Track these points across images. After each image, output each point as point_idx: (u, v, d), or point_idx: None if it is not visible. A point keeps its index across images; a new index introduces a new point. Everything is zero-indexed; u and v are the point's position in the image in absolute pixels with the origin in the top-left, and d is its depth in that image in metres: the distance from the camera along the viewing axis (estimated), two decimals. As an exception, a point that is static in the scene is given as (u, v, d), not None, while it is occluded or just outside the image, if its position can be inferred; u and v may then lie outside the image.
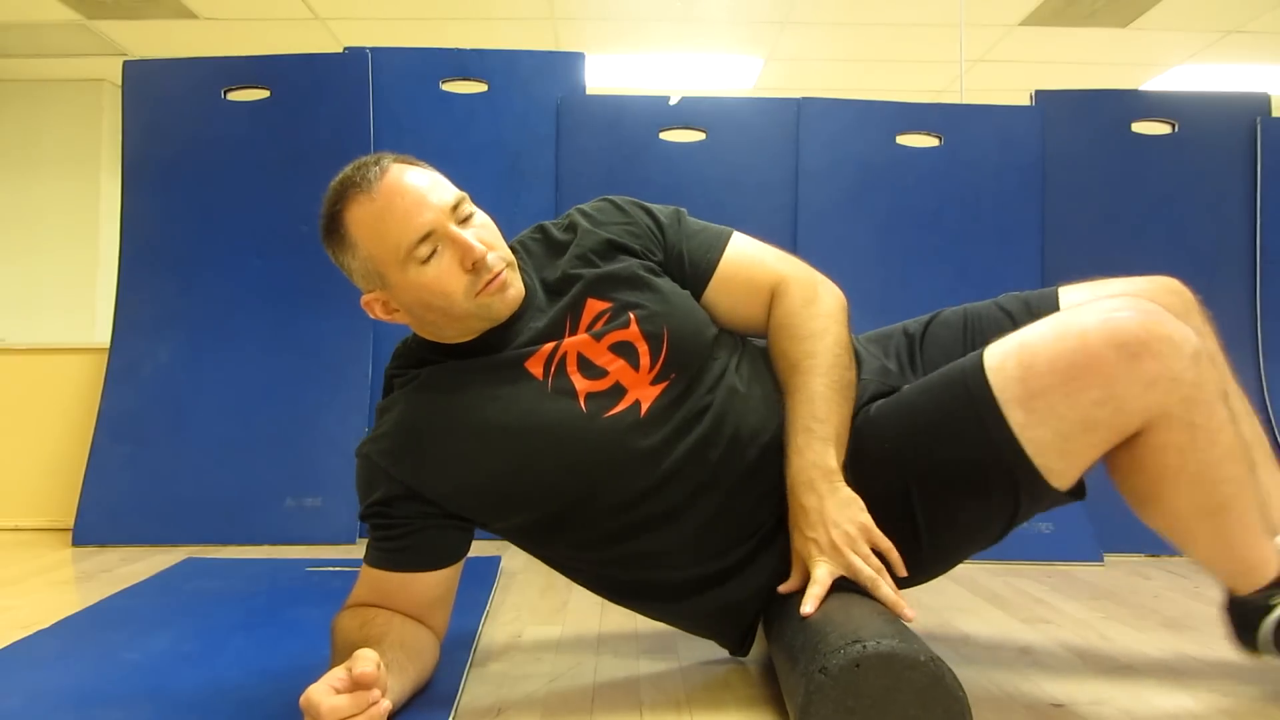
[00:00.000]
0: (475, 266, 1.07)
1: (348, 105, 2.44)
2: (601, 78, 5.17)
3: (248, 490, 2.28)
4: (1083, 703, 1.13)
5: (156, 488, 2.29)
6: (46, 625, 1.45)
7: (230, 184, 2.45)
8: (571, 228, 1.22)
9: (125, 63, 2.51)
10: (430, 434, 1.12)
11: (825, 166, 2.47)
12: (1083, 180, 2.50)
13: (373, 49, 2.48)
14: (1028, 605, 1.68)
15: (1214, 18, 4.55)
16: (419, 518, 1.13)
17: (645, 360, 1.12)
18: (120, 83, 2.51)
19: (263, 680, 1.20)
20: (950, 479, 1.07)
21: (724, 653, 1.36)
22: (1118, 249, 2.48)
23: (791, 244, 2.44)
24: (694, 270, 1.21)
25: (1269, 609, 1.09)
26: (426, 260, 1.07)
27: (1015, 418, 1.01)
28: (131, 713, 1.09)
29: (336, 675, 0.90)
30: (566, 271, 1.17)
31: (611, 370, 1.12)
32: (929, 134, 2.50)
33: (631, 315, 1.13)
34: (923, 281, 2.45)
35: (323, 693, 0.88)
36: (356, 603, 1.15)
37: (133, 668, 1.26)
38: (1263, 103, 2.56)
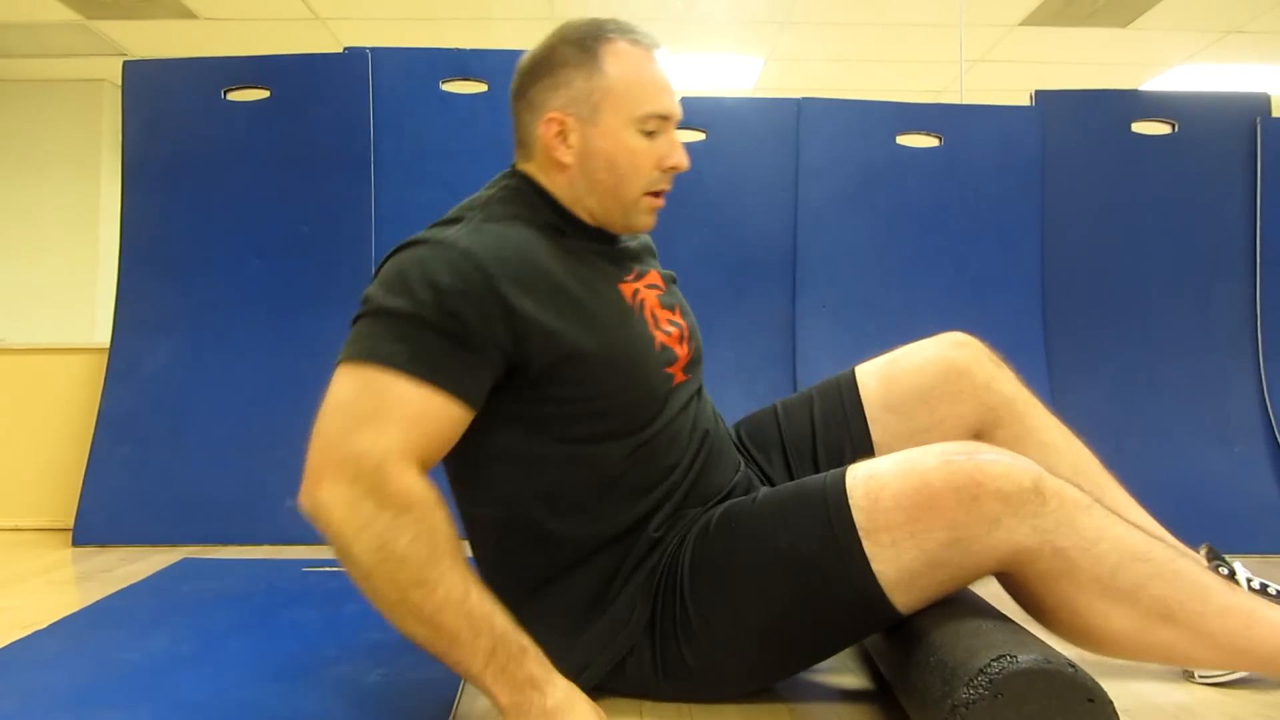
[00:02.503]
0: (670, 172, 1.15)
1: (348, 105, 2.44)
2: (601, 78, 5.17)
3: (247, 490, 2.28)
4: (1082, 703, 1.13)
5: (156, 488, 2.29)
6: (45, 625, 1.45)
7: (230, 184, 2.45)
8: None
9: (125, 63, 2.51)
10: (547, 276, 1.07)
11: (825, 166, 2.47)
12: (1083, 180, 2.50)
13: (373, 49, 2.48)
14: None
15: (1214, 18, 4.55)
16: (495, 348, 1.03)
17: (683, 349, 1.20)
18: (120, 83, 2.51)
19: (260, 680, 1.20)
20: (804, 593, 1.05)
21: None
22: (1118, 249, 2.48)
23: (791, 244, 2.44)
24: None
25: None
26: (646, 135, 1.13)
27: (866, 546, 1.01)
28: (129, 713, 1.09)
29: None
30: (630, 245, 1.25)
31: (671, 334, 1.19)
32: (929, 134, 2.50)
33: (677, 306, 1.24)
34: (923, 281, 2.45)
35: None
36: (413, 453, 0.98)
37: (130, 668, 1.26)
38: (1263, 103, 2.56)
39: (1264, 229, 2.46)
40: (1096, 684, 0.88)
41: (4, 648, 1.34)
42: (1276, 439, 2.34)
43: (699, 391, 1.24)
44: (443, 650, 0.96)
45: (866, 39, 4.91)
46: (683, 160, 1.15)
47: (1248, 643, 1.04)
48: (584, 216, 1.17)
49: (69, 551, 2.17)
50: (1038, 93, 2.54)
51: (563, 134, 1.13)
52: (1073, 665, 0.88)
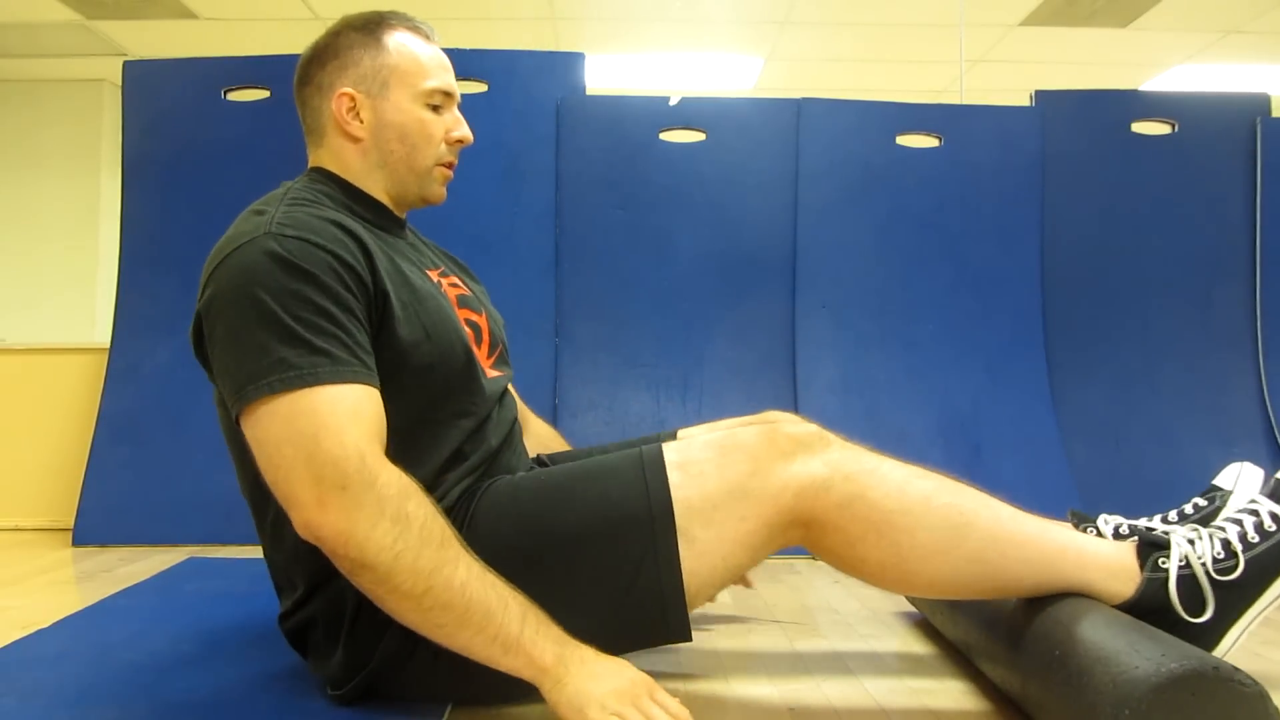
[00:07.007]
0: (457, 145, 1.24)
1: (348, 105, 2.44)
2: (601, 78, 5.17)
3: (247, 490, 2.28)
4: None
5: (156, 488, 2.29)
6: (46, 625, 1.45)
7: (230, 184, 2.44)
8: None
9: (125, 63, 2.51)
10: (366, 244, 1.08)
11: (825, 166, 2.47)
12: (1083, 180, 2.50)
13: (373, 49, 2.48)
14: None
15: (1214, 18, 4.55)
16: (362, 324, 1.05)
17: (482, 349, 1.24)
18: (120, 83, 2.51)
19: (261, 681, 1.20)
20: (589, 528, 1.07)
21: (724, 655, 1.36)
22: (1118, 249, 2.49)
23: (791, 244, 2.44)
24: None
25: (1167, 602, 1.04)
26: (432, 109, 1.22)
27: (673, 476, 1.08)
28: (130, 712, 1.09)
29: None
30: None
31: (469, 332, 1.21)
32: (929, 134, 2.50)
33: (484, 312, 1.30)
34: (923, 281, 2.45)
35: None
36: (377, 440, 0.99)
37: (131, 667, 1.25)
38: (1263, 103, 2.56)
39: (1264, 229, 2.47)
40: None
41: (4, 647, 1.34)
42: (1276, 439, 2.34)
43: (506, 391, 1.27)
44: (475, 629, 0.95)
45: (866, 39, 4.91)
46: (467, 134, 1.24)
47: (1057, 547, 1.08)
48: (378, 194, 1.23)
49: (69, 551, 2.17)
50: (1038, 93, 2.54)
51: (355, 109, 1.20)
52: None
